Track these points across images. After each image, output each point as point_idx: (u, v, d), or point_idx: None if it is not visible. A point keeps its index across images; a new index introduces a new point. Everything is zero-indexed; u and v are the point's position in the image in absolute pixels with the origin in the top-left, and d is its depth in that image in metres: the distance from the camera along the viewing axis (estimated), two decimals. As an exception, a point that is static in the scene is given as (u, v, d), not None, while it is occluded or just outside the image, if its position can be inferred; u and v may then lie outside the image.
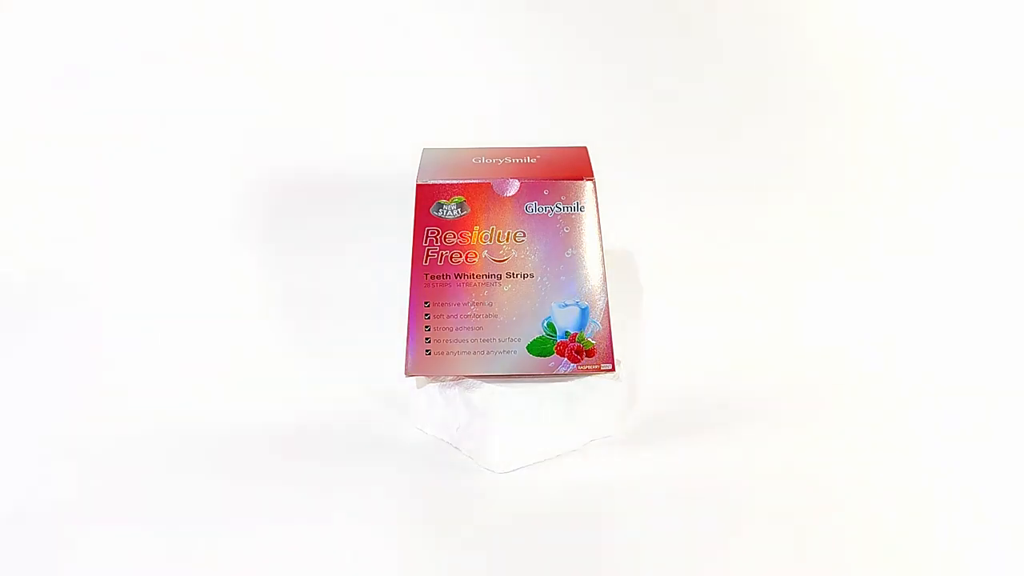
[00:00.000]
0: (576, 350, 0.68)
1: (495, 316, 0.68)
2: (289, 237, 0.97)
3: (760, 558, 0.58)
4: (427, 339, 0.68)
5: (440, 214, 0.67)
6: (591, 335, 0.68)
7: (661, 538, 0.61)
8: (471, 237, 0.67)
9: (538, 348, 0.68)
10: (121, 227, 0.97)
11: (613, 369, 0.69)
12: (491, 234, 0.67)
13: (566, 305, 0.68)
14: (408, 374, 0.69)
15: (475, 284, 0.68)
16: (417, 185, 0.67)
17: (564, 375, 0.69)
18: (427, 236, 0.67)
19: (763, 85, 1.00)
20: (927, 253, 0.95)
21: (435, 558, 0.60)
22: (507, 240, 0.67)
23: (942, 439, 0.72)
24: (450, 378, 0.70)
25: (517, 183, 0.67)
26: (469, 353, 0.68)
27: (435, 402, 0.71)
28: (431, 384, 0.71)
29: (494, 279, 0.68)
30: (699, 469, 0.68)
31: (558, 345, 0.68)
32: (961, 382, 0.80)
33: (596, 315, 0.68)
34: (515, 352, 0.68)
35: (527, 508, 0.64)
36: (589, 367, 0.68)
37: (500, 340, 0.68)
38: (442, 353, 0.69)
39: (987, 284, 0.92)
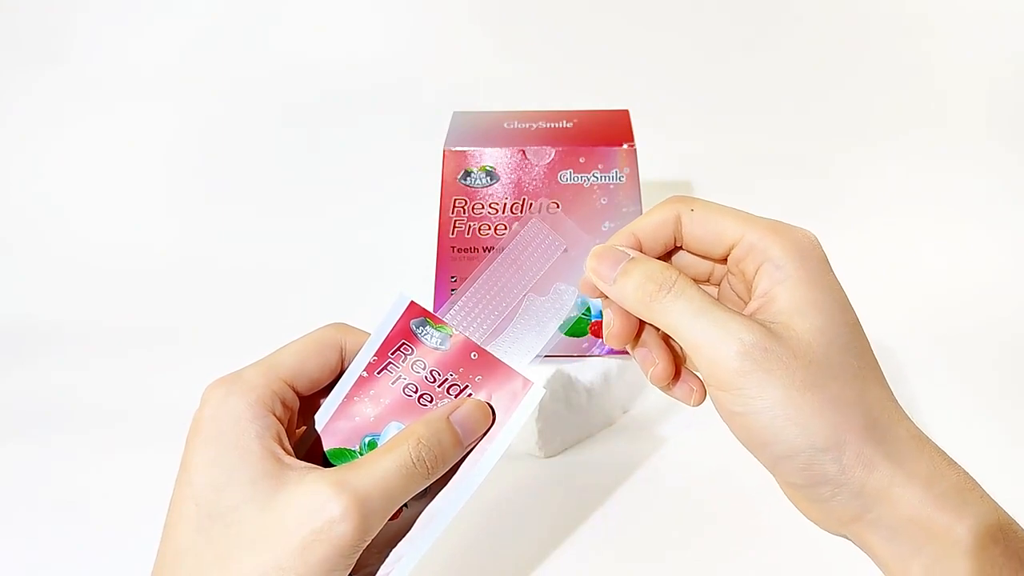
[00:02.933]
0: (612, 331, 0.63)
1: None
2: (313, 203, 0.94)
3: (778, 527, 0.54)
4: (453, 316, 0.64)
5: (468, 183, 0.63)
6: (629, 315, 0.63)
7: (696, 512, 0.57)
8: (500, 208, 0.63)
9: (572, 328, 0.64)
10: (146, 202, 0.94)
11: (652, 351, 0.64)
12: (522, 205, 0.63)
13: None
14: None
15: (504, 259, 0.63)
16: (444, 151, 0.63)
17: (598, 356, 0.64)
18: (454, 206, 0.63)
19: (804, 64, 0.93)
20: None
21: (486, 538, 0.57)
22: (539, 212, 0.63)
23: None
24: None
25: (551, 150, 0.62)
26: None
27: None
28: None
29: (524, 254, 0.63)
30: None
31: (593, 325, 0.63)
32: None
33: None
34: (547, 332, 0.64)
35: (569, 491, 0.61)
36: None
37: (530, 319, 0.64)
38: (469, 331, 0.64)
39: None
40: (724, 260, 0.39)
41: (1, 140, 0.96)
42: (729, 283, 0.40)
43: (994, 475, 0.37)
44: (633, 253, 0.38)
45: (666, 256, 0.40)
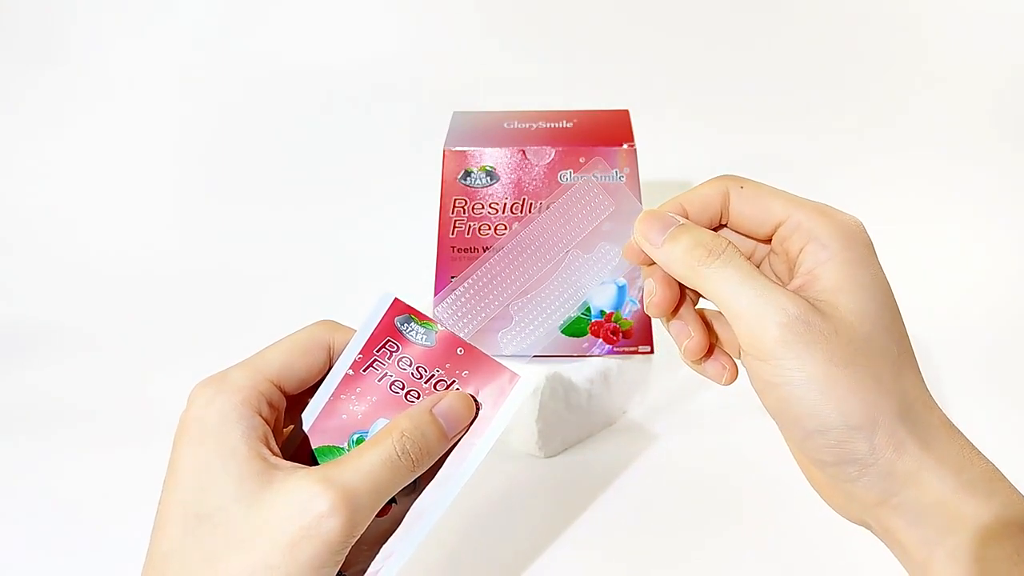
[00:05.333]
0: (612, 331, 0.63)
1: (525, 293, 0.64)
2: (313, 203, 0.94)
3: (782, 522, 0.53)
4: (453, 316, 0.64)
5: (468, 183, 0.63)
6: (629, 314, 0.63)
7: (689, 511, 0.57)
8: (500, 208, 0.63)
9: (572, 328, 0.64)
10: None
11: (652, 351, 0.64)
12: (522, 205, 0.63)
13: (602, 282, 0.63)
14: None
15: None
16: (444, 151, 0.63)
17: (598, 356, 0.64)
18: (454, 206, 0.63)
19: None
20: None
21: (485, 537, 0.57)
22: (539, 212, 0.63)
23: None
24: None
25: (551, 150, 0.62)
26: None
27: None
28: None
29: (524, 254, 0.63)
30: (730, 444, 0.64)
31: (592, 325, 0.63)
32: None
33: (634, 293, 0.63)
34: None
35: (569, 491, 0.61)
36: (626, 349, 0.64)
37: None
38: (469, 331, 0.64)
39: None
40: (767, 240, 0.39)
41: (1, 140, 0.96)
42: (770, 263, 0.41)
43: (1013, 472, 0.37)
44: (682, 220, 0.39)
45: None
